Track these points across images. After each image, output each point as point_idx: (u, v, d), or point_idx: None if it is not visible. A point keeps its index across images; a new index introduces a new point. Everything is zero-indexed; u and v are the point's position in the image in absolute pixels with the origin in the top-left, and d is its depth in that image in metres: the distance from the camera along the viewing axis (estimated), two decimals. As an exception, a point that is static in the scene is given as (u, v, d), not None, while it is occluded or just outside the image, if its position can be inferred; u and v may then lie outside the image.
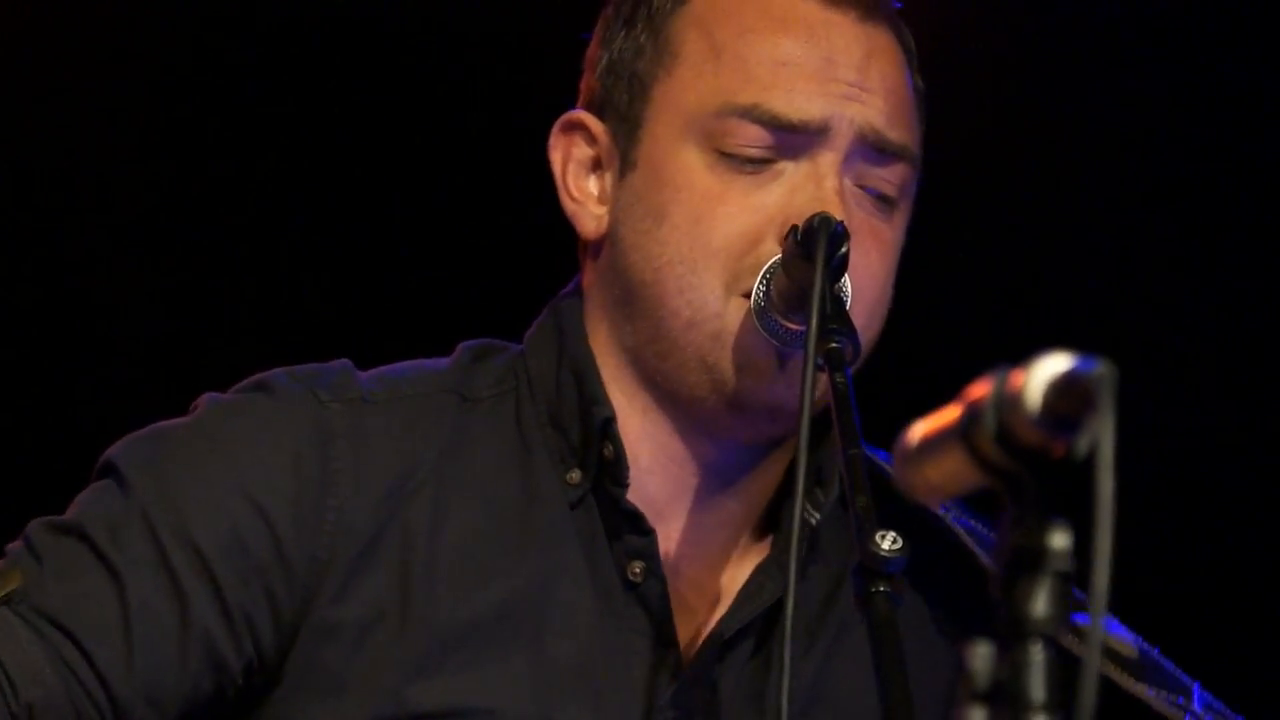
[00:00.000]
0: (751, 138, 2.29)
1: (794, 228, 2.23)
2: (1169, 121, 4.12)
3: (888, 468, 2.26)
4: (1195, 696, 2.34)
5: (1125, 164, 4.17)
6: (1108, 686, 2.29)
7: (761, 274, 2.25)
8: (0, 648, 2.16)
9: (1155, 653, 2.37)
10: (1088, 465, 1.45)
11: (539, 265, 2.54)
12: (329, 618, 2.24)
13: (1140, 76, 4.02)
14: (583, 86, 2.42)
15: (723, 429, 2.34)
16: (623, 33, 2.36)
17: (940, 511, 2.36)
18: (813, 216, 2.21)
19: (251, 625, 2.22)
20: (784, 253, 2.24)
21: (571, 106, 2.44)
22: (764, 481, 2.40)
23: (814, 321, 2.13)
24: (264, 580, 2.23)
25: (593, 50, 2.42)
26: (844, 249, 2.19)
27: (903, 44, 2.38)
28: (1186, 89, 4.03)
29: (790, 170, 2.30)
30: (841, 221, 2.22)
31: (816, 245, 2.18)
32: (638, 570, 2.30)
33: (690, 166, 2.30)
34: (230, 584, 2.22)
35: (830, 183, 2.27)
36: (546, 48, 3.27)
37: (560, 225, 2.44)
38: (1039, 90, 3.88)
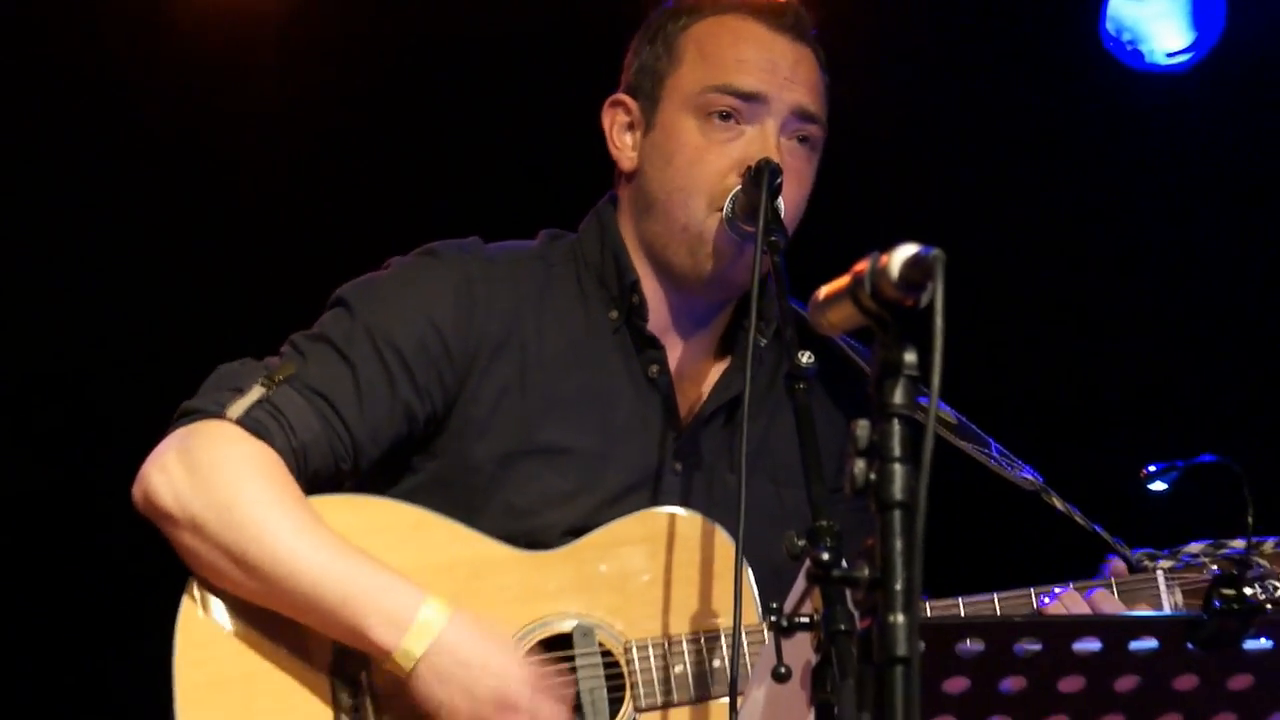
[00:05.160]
0: (723, 103, 3.45)
1: (749, 167, 3.36)
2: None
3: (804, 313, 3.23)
4: (993, 447, 3.49)
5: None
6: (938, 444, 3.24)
7: (729, 197, 3.40)
8: (285, 407, 3.41)
9: (965, 419, 3.49)
10: (927, 311, 2.18)
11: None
12: (477, 389, 3.51)
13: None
14: (622, 78, 3.59)
15: (696, 292, 3.53)
16: (648, 46, 3.54)
17: (838, 340, 3.43)
18: (760, 160, 3.35)
19: (430, 394, 3.50)
20: (743, 183, 3.38)
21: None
22: (722, 320, 3.61)
23: (761, 223, 3.28)
24: (438, 368, 3.50)
25: (629, 58, 3.58)
26: (778, 181, 3.32)
27: (818, 56, 3.53)
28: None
29: (749, 132, 3.45)
30: (778, 163, 3.34)
31: (763, 177, 3.33)
32: (654, 370, 3.51)
33: (688, 129, 3.49)
34: (419, 370, 3.48)
35: (771, 140, 3.43)
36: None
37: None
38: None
